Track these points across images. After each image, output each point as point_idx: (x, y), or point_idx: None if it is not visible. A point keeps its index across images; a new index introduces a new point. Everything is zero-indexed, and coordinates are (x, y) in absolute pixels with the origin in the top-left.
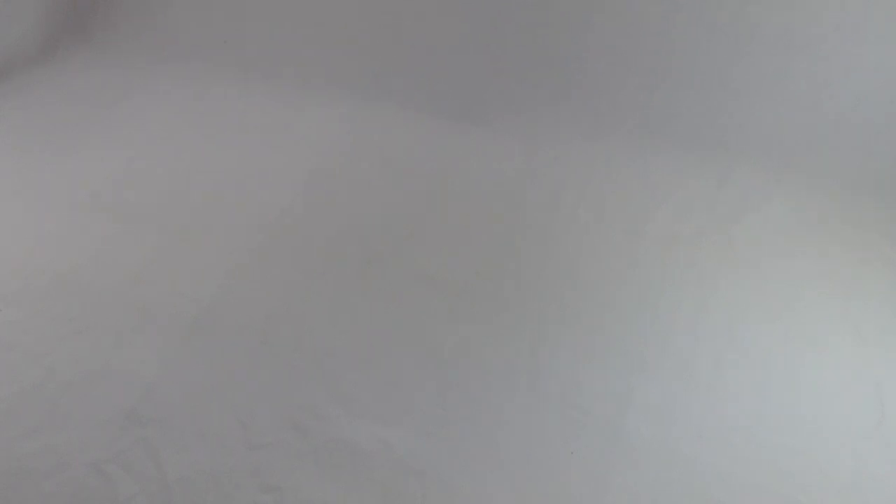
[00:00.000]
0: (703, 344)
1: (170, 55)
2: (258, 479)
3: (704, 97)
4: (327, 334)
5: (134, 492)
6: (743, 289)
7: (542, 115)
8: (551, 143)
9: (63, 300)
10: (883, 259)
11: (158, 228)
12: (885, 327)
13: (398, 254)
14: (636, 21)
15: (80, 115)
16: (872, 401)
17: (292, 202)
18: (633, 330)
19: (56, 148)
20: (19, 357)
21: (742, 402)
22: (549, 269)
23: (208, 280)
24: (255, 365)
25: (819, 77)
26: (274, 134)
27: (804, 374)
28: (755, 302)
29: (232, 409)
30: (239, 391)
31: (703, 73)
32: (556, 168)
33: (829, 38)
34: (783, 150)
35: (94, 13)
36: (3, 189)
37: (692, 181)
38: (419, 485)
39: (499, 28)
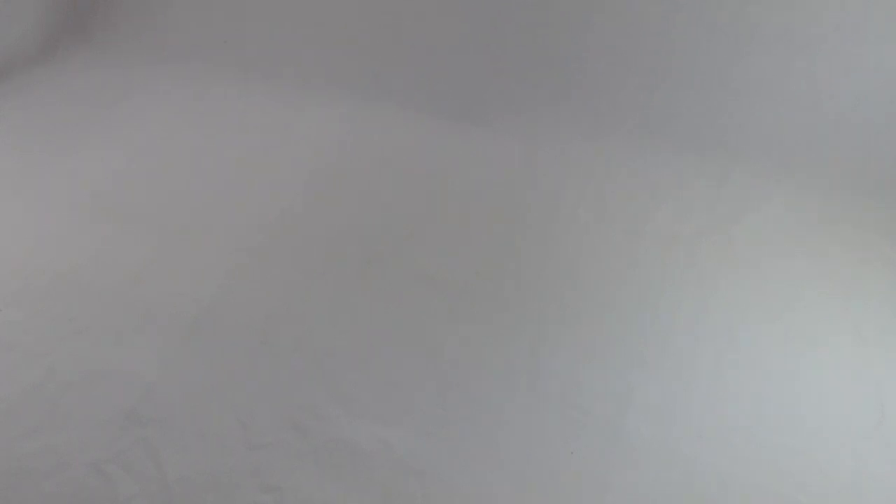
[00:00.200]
0: (703, 344)
1: (170, 55)
2: (258, 479)
3: (704, 97)
4: (327, 334)
5: (134, 492)
6: (743, 289)
7: (542, 115)
8: (551, 143)
9: (63, 300)
10: (883, 259)
11: (158, 228)
12: (885, 327)
13: (398, 254)
14: (636, 21)
15: (80, 115)
16: (872, 401)
17: (292, 202)
18: (633, 330)
19: (56, 148)
20: (19, 357)
21: (742, 402)
22: (549, 269)
23: (208, 280)
24: (255, 365)
25: (819, 77)
26: (274, 134)
27: (804, 374)
28: (755, 302)
29: (232, 409)
30: (239, 391)
31: (703, 73)
32: (556, 168)
33: (829, 38)
34: (783, 149)
35: (94, 13)
36: (3, 189)
37: (692, 181)
38: (419, 485)
39: (499, 28)
